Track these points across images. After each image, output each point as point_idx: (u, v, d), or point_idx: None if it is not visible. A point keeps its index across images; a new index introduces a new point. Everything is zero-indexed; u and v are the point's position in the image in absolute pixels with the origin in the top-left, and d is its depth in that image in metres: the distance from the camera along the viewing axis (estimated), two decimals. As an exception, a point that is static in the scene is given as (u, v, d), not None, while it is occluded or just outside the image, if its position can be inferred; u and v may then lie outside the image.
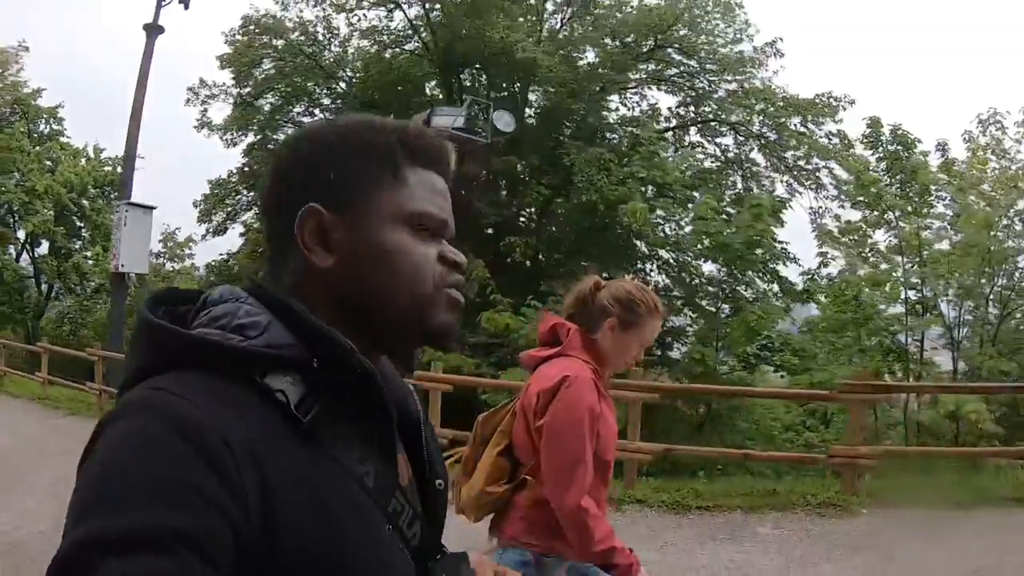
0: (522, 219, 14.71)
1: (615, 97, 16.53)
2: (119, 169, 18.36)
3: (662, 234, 13.23)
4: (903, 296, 12.04)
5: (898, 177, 12.90)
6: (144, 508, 0.55)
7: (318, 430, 0.68)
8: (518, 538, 1.93)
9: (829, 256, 13.49)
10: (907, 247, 11.99)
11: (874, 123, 13.93)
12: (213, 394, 0.63)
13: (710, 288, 12.95)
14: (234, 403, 0.64)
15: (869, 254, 13.07)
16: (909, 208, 12.16)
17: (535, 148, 14.29)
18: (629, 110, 16.80)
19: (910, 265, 12.05)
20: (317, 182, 0.75)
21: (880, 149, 13.75)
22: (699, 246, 11.75)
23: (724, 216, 11.97)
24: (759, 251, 11.80)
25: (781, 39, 15.55)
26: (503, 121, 13.24)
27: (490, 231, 14.15)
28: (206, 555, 0.56)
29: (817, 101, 14.90)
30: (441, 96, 15.69)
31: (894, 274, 12.23)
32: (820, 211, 15.85)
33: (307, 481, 0.65)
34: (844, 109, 14.97)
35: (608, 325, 1.98)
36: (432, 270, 0.77)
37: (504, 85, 15.61)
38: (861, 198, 13.34)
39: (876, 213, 12.77)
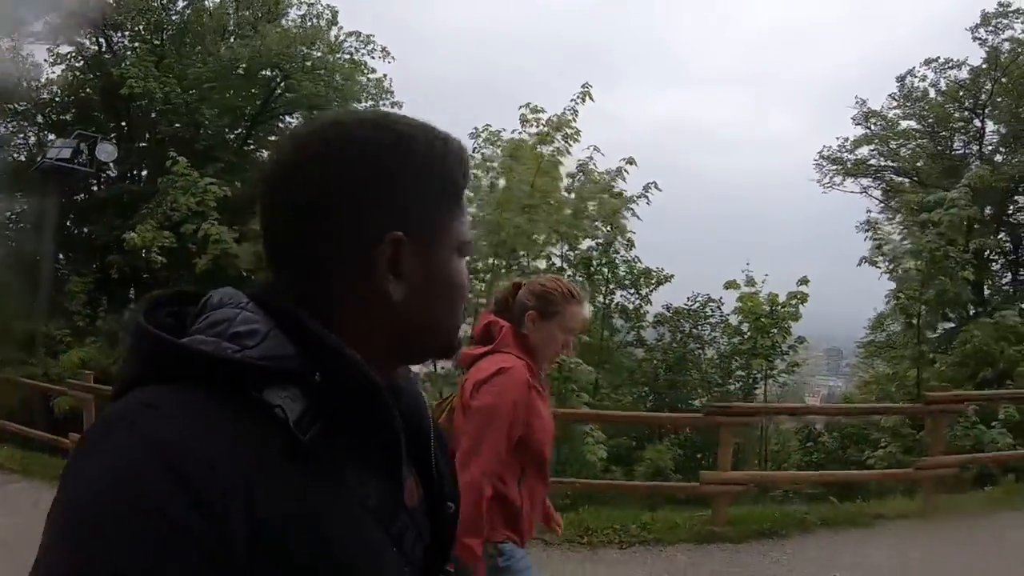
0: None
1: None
2: None
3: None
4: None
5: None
6: (114, 545, 0.52)
7: (319, 448, 0.64)
8: None
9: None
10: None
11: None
12: (202, 410, 0.60)
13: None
14: (226, 420, 0.60)
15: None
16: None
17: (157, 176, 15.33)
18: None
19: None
20: (391, 204, 0.70)
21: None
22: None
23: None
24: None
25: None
26: (105, 152, 14.46)
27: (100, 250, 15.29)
28: None
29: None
30: (112, 126, 16.83)
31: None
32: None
33: (303, 503, 0.61)
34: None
35: (529, 317, 2.09)
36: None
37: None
38: None
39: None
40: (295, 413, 0.63)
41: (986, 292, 17.79)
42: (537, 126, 10.65)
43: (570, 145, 10.93)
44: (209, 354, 0.63)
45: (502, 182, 10.71)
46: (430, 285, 0.72)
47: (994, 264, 18.73)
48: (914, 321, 10.61)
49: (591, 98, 10.82)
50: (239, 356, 0.63)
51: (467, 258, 0.78)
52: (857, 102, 18.72)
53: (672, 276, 14.31)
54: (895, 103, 18.81)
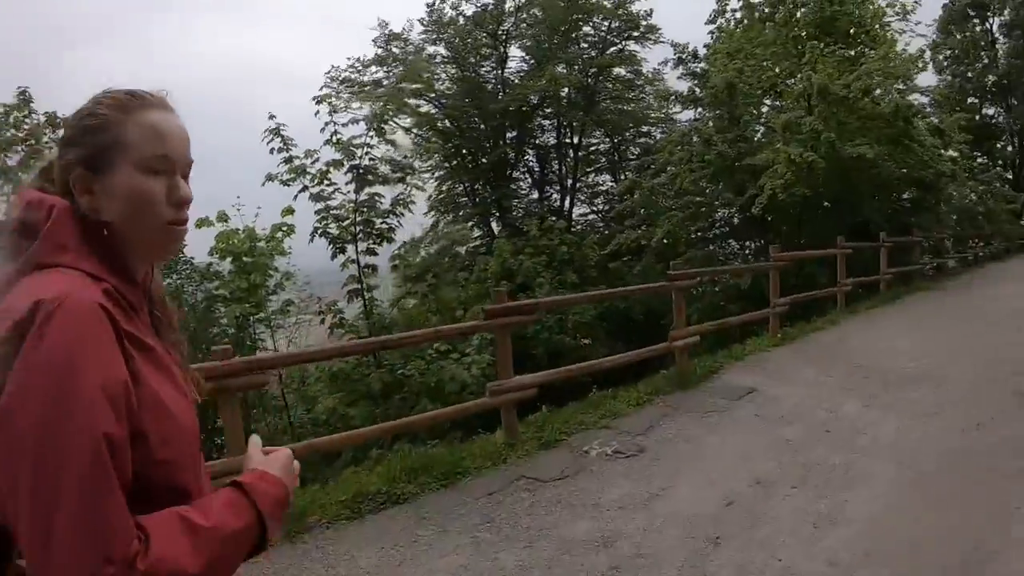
0: None
1: None
2: None
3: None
4: None
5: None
6: None
7: None
8: None
9: None
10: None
11: None
12: None
13: None
14: None
15: None
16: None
17: None
18: None
19: None
20: None
21: None
22: None
23: None
24: None
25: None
26: None
27: None
28: None
29: None
30: None
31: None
32: None
33: None
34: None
35: (77, 180, 0.97)
36: None
37: None
38: None
39: None
40: None
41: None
42: None
43: None
44: None
45: None
46: None
47: (522, 183, 19.89)
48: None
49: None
50: None
51: None
52: (379, 24, 17.98)
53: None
54: (423, 28, 18.59)
